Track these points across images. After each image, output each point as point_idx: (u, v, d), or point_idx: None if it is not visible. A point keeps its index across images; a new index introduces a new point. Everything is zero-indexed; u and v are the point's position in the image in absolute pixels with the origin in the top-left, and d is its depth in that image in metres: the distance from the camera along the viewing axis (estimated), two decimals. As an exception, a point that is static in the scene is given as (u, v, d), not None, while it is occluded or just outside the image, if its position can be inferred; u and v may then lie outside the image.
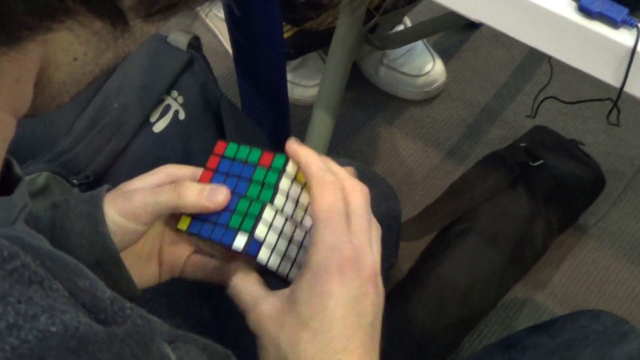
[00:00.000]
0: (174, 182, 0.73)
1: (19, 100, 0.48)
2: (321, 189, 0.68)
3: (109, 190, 0.74)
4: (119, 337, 0.42)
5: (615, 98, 0.92)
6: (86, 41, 0.48)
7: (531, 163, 1.62)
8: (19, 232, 0.47)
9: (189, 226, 0.73)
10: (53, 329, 0.40)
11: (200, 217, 0.72)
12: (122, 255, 0.72)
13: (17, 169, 0.54)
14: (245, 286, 0.68)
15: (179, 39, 1.28)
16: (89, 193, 0.72)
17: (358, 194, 0.69)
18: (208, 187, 0.71)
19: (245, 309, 0.67)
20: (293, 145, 0.73)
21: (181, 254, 0.77)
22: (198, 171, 0.75)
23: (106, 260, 0.70)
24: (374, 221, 0.71)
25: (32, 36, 0.45)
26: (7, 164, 0.54)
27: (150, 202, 0.70)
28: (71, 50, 0.48)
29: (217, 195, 0.71)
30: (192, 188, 0.71)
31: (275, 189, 0.71)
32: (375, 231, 0.70)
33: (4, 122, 0.48)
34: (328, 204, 0.67)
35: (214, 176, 0.74)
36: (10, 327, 0.40)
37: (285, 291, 0.66)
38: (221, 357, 0.52)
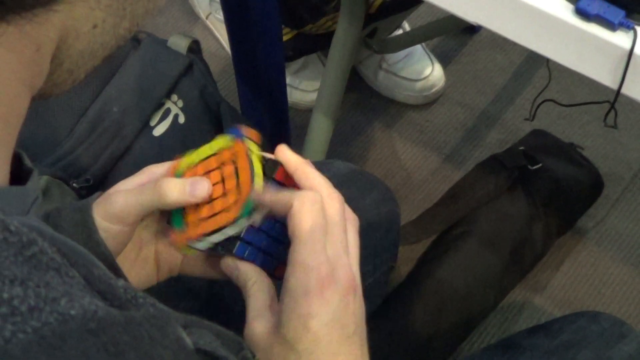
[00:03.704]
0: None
1: (36, 72, 0.48)
2: (302, 207, 0.66)
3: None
4: (137, 320, 0.43)
5: (613, 100, 0.93)
6: (106, 6, 0.49)
7: (530, 167, 1.63)
8: (35, 221, 0.48)
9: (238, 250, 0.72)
10: (73, 312, 0.41)
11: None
12: (119, 260, 0.72)
13: (27, 161, 0.54)
14: (256, 296, 0.68)
15: (179, 43, 1.29)
16: (81, 201, 0.72)
17: (335, 201, 0.69)
18: (189, 181, 0.70)
19: (246, 320, 0.67)
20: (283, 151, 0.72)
21: (178, 253, 0.77)
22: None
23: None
24: (352, 217, 0.71)
25: None
26: (18, 158, 0.55)
27: (132, 202, 0.70)
28: (92, 16, 0.49)
29: (198, 189, 0.69)
30: (172, 184, 0.70)
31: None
32: (352, 232, 0.70)
33: (21, 96, 0.48)
34: (309, 224, 0.65)
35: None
36: (31, 310, 0.40)
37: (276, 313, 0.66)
38: (234, 343, 0.53)
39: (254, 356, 0.57)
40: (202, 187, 0.70)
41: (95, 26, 0.49)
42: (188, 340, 0.47)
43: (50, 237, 0.46)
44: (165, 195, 0.69)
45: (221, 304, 0.90)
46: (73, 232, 0.70)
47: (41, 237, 0.44)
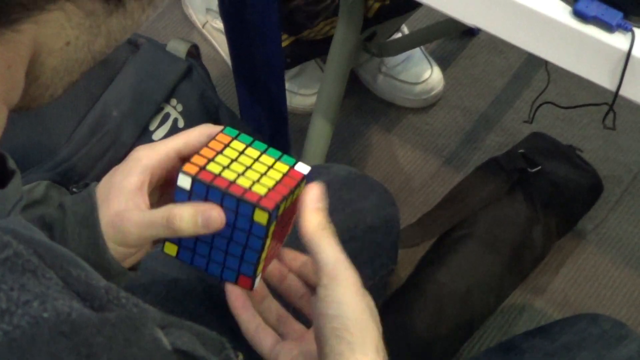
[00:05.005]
0: (151, 174, 0.73)
1: (10, 87, 0.48)
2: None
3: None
4: (111, 322, 0.43)
5: (611, 101, 0.93)
6: (78, 24, 0.49)
7: (529, 169, 1.63)
8: (12, 223, 0.48)
9: (178, 254, 0.74)
10: (45, 314, 0.41)
11: (187, 246, 0.73)
12: None
13: (11, 163, 0.54)
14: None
15: (178, 48, 1.29)
16: (82, 211, 0.72)
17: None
18: (201, 213, 0.69)
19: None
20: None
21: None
22: (170, 151, 0.74)
23: (110, 278, 0.71)
24: None
25: (26, 17, 0.45)
26: (1, 159, 0.55)
27: (146, 235, 0.71)
28: (63, 34, 0.49)
29: (211, 222, 0.69)
30: (185, 219, 0.69)
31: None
32: None
33: None
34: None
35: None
36: (2, 313, 0.41)
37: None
38: (215, 343, 0.53)
39: (237, 356, 0.56)
40: (214, 220, 0.69)
41: (68, 43, 0.49)
42: (165, 341, 0.47)
43: (26, 240, 0.45)
44: (180, 230, 0.70)
45: (222, 308, 0.90)
46: (83, 250, 0.70)
47: (16, 240, 0.44)
